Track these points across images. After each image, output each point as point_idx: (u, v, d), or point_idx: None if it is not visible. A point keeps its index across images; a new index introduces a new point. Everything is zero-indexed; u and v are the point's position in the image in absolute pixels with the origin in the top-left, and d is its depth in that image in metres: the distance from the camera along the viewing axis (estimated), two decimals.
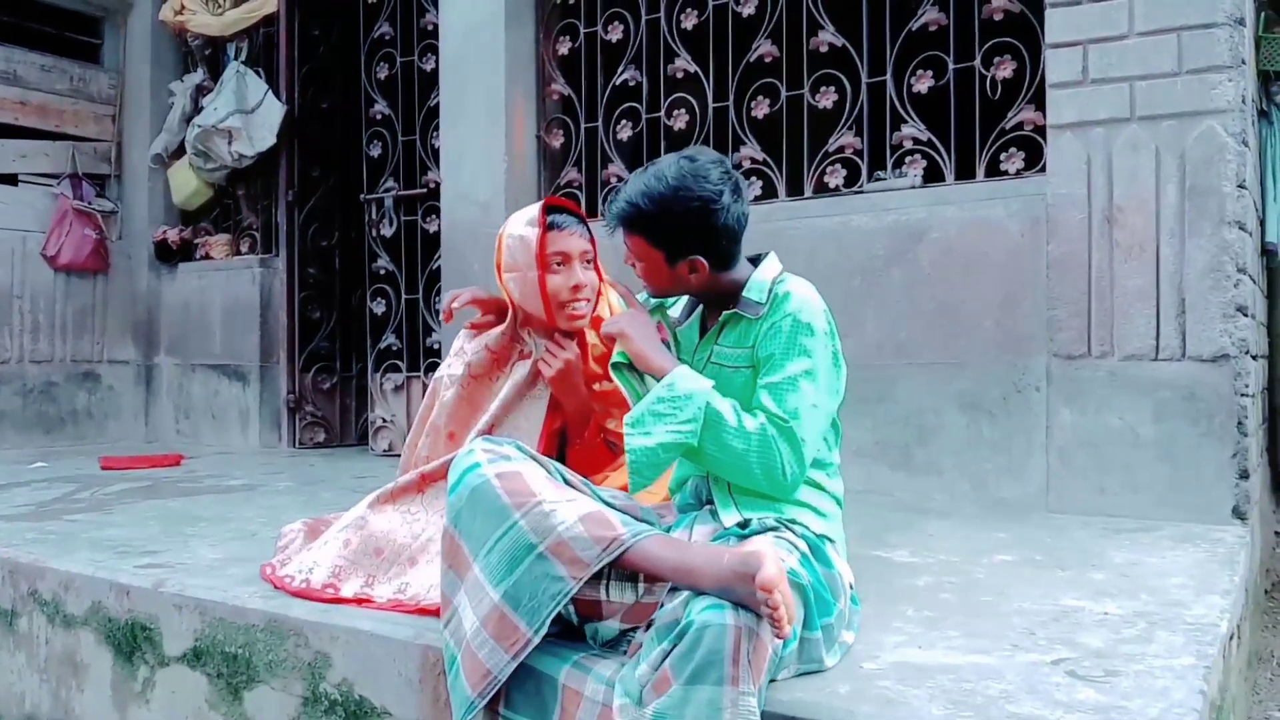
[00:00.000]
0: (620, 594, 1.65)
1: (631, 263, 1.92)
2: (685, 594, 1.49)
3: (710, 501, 1.87)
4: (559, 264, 2.13)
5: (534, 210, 2.16)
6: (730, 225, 1.84)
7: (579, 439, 2.28)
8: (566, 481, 1.76)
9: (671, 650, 1.43)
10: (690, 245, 1.83)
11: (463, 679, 1.61)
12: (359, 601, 2.13)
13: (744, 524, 1.76)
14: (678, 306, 2.06)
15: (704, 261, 1.85)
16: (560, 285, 2.13)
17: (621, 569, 1.62)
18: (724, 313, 1.90)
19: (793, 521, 1.77)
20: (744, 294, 1.87)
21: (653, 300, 2.08)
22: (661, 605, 1.55)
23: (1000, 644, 1.83)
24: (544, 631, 1.56)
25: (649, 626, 1.56)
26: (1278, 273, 3.71)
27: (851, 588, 1.83)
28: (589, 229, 2.20)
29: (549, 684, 1.61)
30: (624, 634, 1.67)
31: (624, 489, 1.92)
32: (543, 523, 1.59)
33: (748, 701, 1.39)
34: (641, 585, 1.64)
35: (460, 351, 2.34)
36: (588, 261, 2.17)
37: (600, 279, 2.25)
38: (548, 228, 2.13)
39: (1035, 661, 1.72)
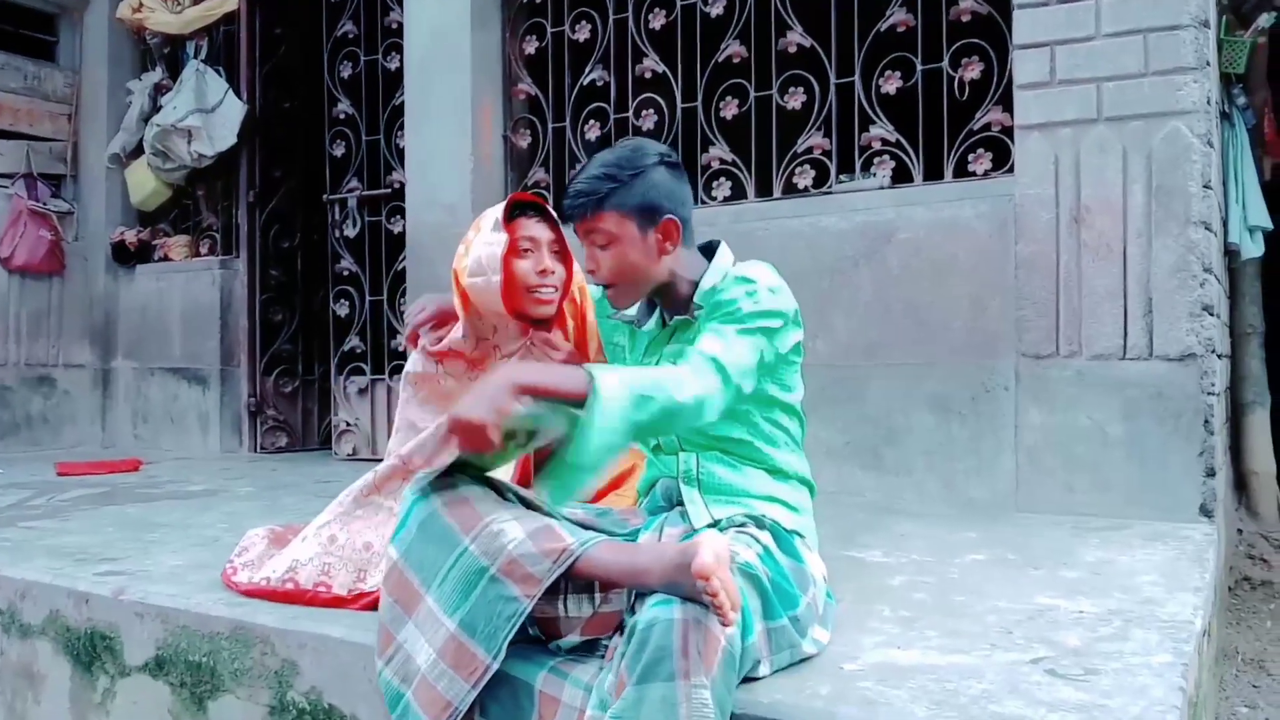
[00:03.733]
0: (578, 607, 1.63)
1: (594, 266, 1.86)
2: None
3: (680, 503, 1.84)
4: (526, 250, 2.12)
5: (499, 211, 2.14)
6: (688, 189, 1.84)
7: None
8: (522, 500, 1.72)
9: (626, 651, 1.42)
10: (662, 204, 1.79)
11: (418, 715, 1.56)
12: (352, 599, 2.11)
13: (714, 524, 1.74)
14: (633, 310, 1.99)
15: (676, 222, 1.81)
16: (528, 270, 2.12)
17: (577, 580, 1.60)
18: (676, 318, 1.86)
19: (761, 518, 1.75)
20: (700, 286, 1.82)
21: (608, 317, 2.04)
22: (625, 612, 1.53)
23: (978, 643, 1.82)
24: (502, 656, 1.53)
25: (621, 631, 1.54)
26: (1239, 273, 3.76)
27: (825, 581, 1.82)
28: (558, 221, 2.18)
29: (525, 691, 1.58)
30: (593, 641, 1.64)
31: (631, 507, 1.91)
32: (492, 544, 1.57)
33: (701, 694, 1.38)
34: (598, 595, 1.62)
35: (423, 350, 2.29)
36: (555, 251, 2.16)
37: (570, 272, 2.21)
38: (516, 215, 2.13)
39: (1014, 661, 1.72)
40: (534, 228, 2.14)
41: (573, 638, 1.63)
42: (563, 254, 2.19)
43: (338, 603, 2.12)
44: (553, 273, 2.14)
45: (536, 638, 1.65)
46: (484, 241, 2.12)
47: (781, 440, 1.87)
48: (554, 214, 2.19)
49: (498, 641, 1.53)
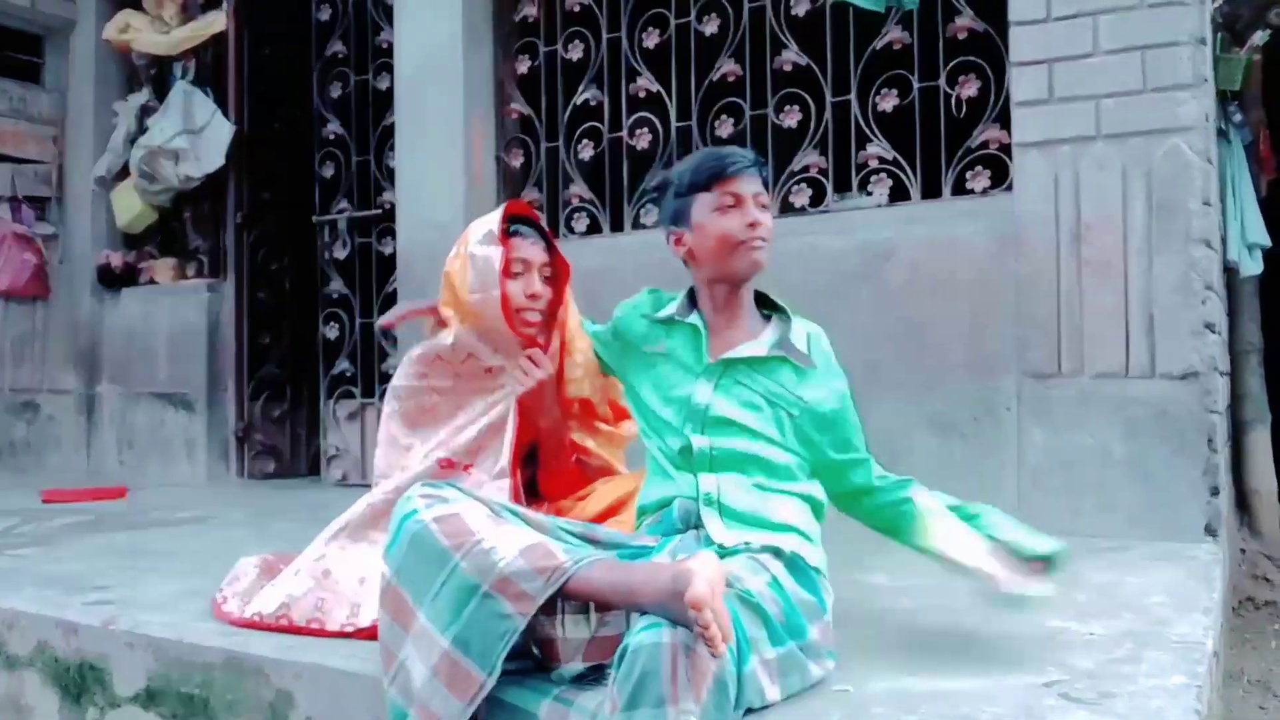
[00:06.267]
0: (575, 629, 1.59)
1: (758, 221, 1.88)
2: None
3: (698, 525, 1.81)
4: (519, 271, 2.15)
5: (494, 222, 2.14)
6: None
7: (553, 460, 2.22)
8: (518, 515, 1.69)
9: (617, 676, 1.39)
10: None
11: None
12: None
13: (731, 550, 1.71)
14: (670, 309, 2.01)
15: None
16: (516, 291, 2.15)
17: (573, 599, 1.56)
18: (744, 350, 1.91)
19: (779, 550, 1.73)
20: (782, 331, 1.94)
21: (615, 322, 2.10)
22: (625, 634, 1.49)
23: (990, 667, 1.79)
24: (497, 674, 1.50)
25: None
26: (1238, 290, 3.75)
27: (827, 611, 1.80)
28: (548, 240, 2.21)
29: None
30: (600, 668, 1.59)
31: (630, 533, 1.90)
32: (483, 561, 1.53)
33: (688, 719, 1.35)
34: (594, 616, 1.58)
35: (409, 360, 2.27)
36: (545, 275, 2.18)
37: (560, 295, 2.21)
38: (510, 234, 2.16)
39: (1028, 684, 1.68)
40: (527, 249, 2.16)
41: (575, 664, 1.59)
42: (554, 277, 2.20)
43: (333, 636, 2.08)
44: (540, 296, 2.17)
45: (538, 662, 1.61)
46: (480, 255, 2.11)
47: (807, 469, 1.91)
48: (547, 230, 2.22)
49: (492, 659, 1.49)
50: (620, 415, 2.35)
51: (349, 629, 2.07)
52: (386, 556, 1.64)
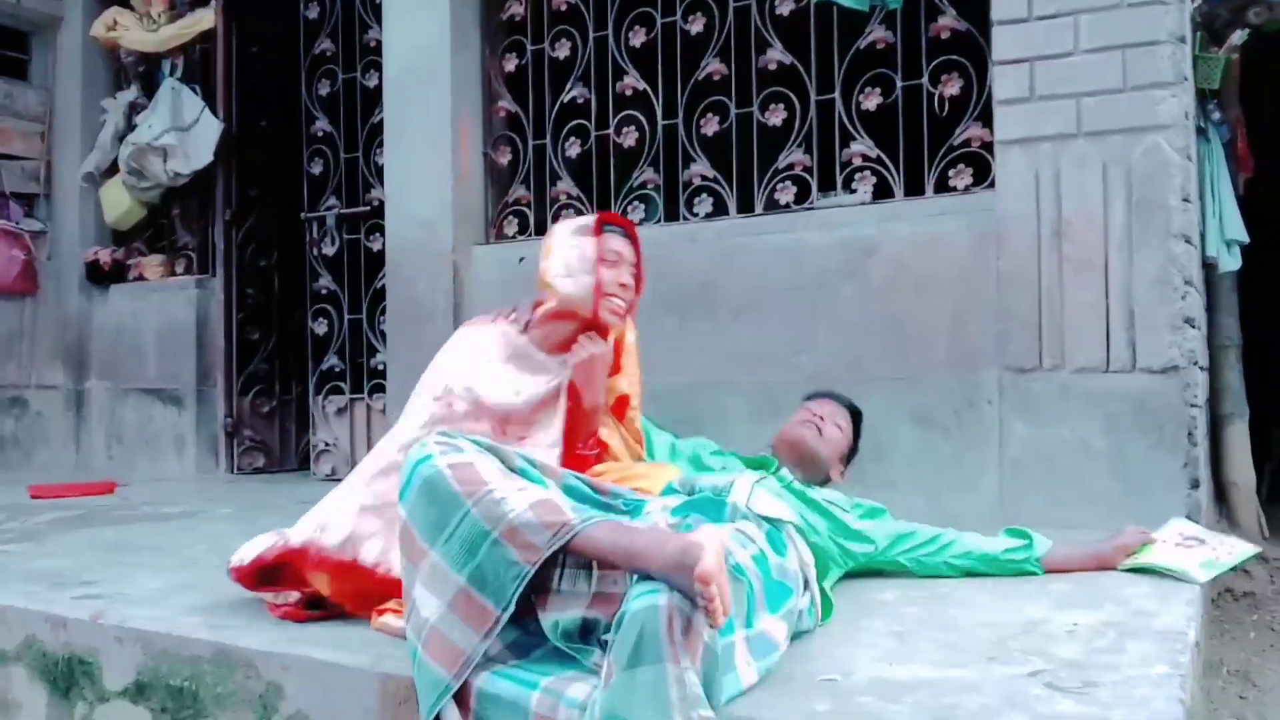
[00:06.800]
0: (573, 583, 1.62)
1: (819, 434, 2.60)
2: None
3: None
4: (613, 260, 2.35)
5: (587, 220, 2.38)
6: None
7: (578, 442, 2.38)
8: (534, 465, 1.77)
9: (614, 640, 1.43)
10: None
11: (430, 665, 1.59)
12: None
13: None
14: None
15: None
16: (611, 279, 2.34)
17: (576, 556, 1.61)
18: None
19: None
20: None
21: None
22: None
23: (974, 657, 1.82)
24: (511, 610, 1.56)
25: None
26: (1216, 286, 3.78)
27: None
28: (636, 246, 2.42)
29: (519, 713, 1.55)
30: (589, 629, 1.62)
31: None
32: (493, 510, 1.59)
33: (690, 677, 1.39)
34: (596, 574, 1.61)
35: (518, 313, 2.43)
36: (632, 271, 2.38)
37: (638, 293, 2.43)
38: (604, 230, 2.37)
39: (1011, 674, 1.71)
40: (619, 243, 2.37)
41: (573, 614, 1.61)
42: (637, 277, 2.39)
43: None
44: (628, 288, 2.37)
45: (529, 644, 1.65)
46: (569, 245, 2.31)
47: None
48: (637, 236, 2.41)
49: (506, 596, 1.56)
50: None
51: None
52: (402, 500, 1.70)
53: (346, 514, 2.18)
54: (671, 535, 1.53)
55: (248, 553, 2.24)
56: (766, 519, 1.97)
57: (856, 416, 2.72)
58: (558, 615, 1.62)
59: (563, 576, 1.62)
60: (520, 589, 1.56)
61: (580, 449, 2.40)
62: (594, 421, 2.42)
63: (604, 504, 1.86)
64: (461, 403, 2.26)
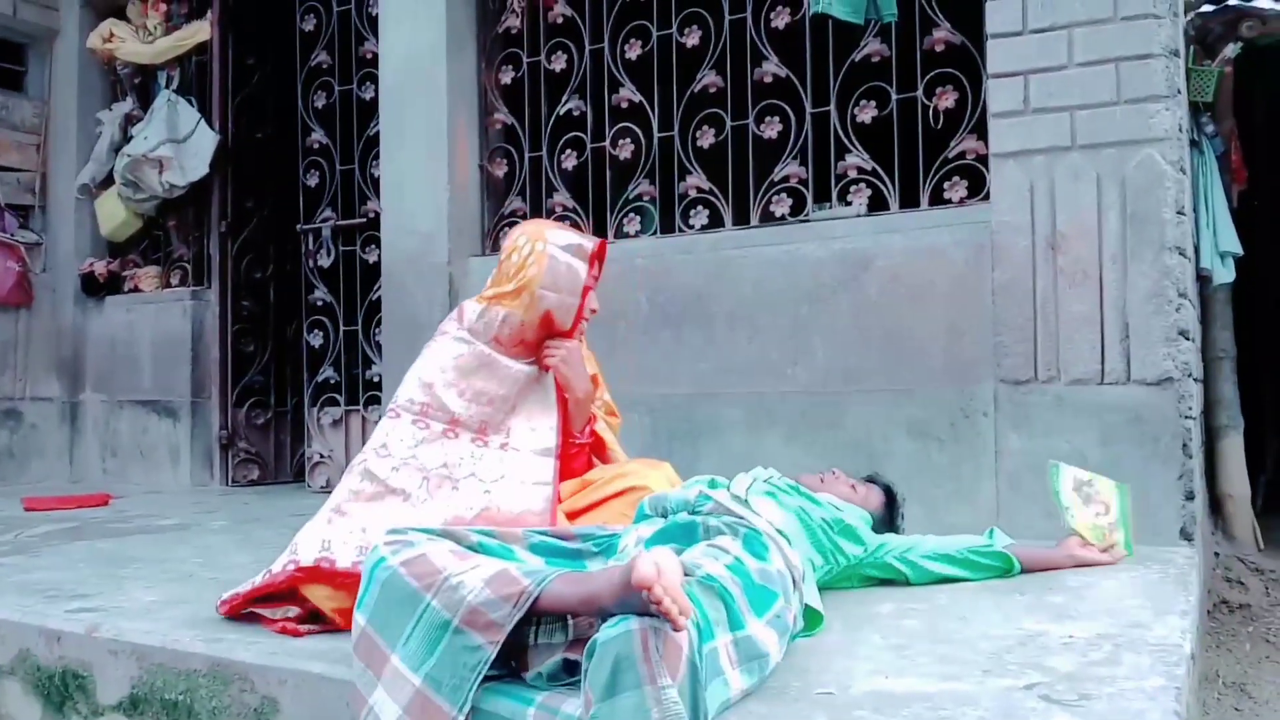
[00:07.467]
0: (549, 636, 1.63)
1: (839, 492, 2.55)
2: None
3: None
4: (590, 287, 2.53)
5: (585, 240, 2.51)
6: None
7: (574, 434, 2.51)
8: (493, 535, 1.80)
9: (587, 669, 1.43)
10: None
11: None
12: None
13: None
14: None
15: None
16: (589, 302, 2.54)
17: (546, 614, 1.61)
18: None
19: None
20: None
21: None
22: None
23: (970, 670, 1.81)
24: (468, 709, 1.55)
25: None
26: (1210, 298, 3.80)
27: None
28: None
29: None
30: (575, 666, 1.62)
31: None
32: (452, 596, 1.59)
33: (669, 693, 1.38)
34: (572, 624, 1.62)
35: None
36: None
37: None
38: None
39: (1008, 687, 1.71)
40: (596, 269, 2.53)
41: (554, 659, 1.62)
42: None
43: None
44: (597, 312, 2.60)
45: (512, 670, 1.65)
46: (562, 261, 2.43)
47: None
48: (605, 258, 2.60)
49: (463, 693, 1.55)
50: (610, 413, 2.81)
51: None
52: (359, 607, 1.70)
53: (352, 531, 2.27)
54: (616, 567, 1.54)
55: (241, 587, 2.29)
56: (741, 517, 2.00)
57: (889, 494, 2.73)
58: (539, 668, 1.63)
59: (539, 633, 1.63)
60: (477, 684, 1.55)
61: (577, 438, 2.55)
62: (587, 408, 2.57)
63: (574, 551, 1.91)
64: (438, 423, 2.39)
